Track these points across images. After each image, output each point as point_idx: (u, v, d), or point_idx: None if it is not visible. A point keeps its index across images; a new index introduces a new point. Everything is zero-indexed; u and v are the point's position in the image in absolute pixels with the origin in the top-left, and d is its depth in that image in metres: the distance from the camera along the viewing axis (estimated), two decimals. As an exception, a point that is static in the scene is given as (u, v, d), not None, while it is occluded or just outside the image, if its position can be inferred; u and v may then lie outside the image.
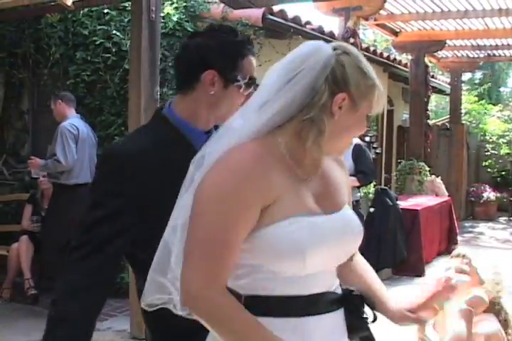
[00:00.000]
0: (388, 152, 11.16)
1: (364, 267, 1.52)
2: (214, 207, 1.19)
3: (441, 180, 9.17)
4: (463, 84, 12.68)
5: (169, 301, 1.29)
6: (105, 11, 5.55)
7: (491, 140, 12.55)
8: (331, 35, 6.93)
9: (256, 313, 1.21)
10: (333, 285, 1.34)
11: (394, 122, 11.40)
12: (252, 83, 1.56)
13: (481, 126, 12.66)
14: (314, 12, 6.77)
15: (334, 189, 1.36)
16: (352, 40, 6.42)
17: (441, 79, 12.66)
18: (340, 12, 6.58)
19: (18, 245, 5.15)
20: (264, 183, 1.21)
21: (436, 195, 8.61)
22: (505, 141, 12.46)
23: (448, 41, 9.56)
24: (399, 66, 9.92)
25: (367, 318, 1.38)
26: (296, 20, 6.19)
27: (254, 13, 5.52)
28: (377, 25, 8.49)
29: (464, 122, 11.71)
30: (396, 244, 6.33)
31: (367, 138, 7.25)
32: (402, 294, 1.42)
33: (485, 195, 11.53)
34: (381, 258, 6.10)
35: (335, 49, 1.28)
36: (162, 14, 4.94)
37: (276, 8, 5.82)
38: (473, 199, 11.61)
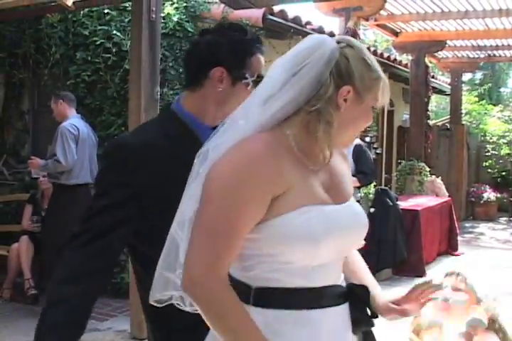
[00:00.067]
0: (388, 152, 11.17)
1: (357, 263, 1.53)
2: (223, 195, 1.19)
3: (442, 180, 9.17)
4: (463, 85, 12.68)
5: (178, 297, 1.30)
6: (105, 11, 5.56)
7: (491, 140, 12.55)
8: (332, 35, 6.88)
9: (266, 305, 1.23)
10: (339, 278, 1.35)
11: (394, 122, 11.40)
12: (259, 81, 1.58)
13: (481, 126, 12.66)
14: (315, 12, 6.77)
15: (341, 181, 1.37)
16: (352, 40, 6.42)
17: (442, 79, 12.66)
18: (340, 12, 6.58)
19: (19, 245, 5.16)
20: (276, 172, 1.21)
21: (437, 196, 8.61)
22: (505, 141, 12.46)
23: (448, 41, 9.57)
24: (399, 66, 9.91)
25: (372, 313, 1.40)
26: (296, 20, 6.19)
27: (255, 14, 5.53)
28: (378, 25, 8.49)
29: (464, 122, 11.71)
30: (396, 244, 6.33)
31: (367, 139, 7.25)
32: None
33: (485, 195, 11.54)
34: (381, 259, 6.10)
35: (339, 42, 1.30)
36: (162, 14, 4.94)
37: (276, 8, 5.82)
38: (473, 199, 11.61)
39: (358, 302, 1.36)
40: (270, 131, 1.26)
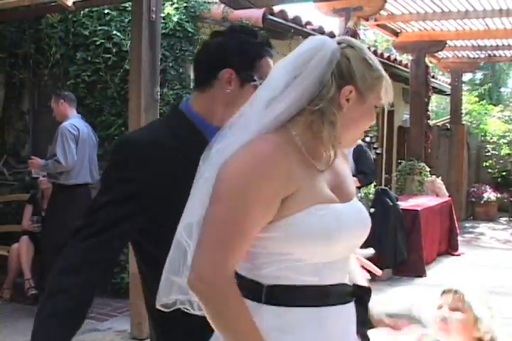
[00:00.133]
0: (388, 152, 11.17)
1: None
2: (232, 196, 1.20)
3: (442, 180, 9.17)
4: (463, 85, 12.67)
5: (185, 301, 1.30)
6: (106, 11, 5.56)
7: (491, 140, 12.55)
8: (332, 35, 6.92)
9: (277, 303, 1.24)
10: (346, 277, 1.37)
11: (394, 122, 11.40)
12: None
13: (481, 126, 12.66)
14: (315, 12, 6.77)
15: (344, 180, 1.39)
16: (352, 40, 6.42)
17: (442, 79, 12.66)
18: (340, 12, 6.58)
19: (19, 245, 5.16)
20: (286, 174, 1.22)
21: (437, 196, 8.61)
22: (505, 141, 12.46)
23: (448, 41, 9.56)
24: (399, 66, 9.91)
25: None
26: (296, 20, 6.19)
27: (255, 14, 5.53)
28: (378, 25, 8.49)
29: (464, 122, 11.70)
30: (396, 244, 6.33)
31: (367, 139, 7.26)
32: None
33: (485, 195, 11.54)
34: (381, 259, 6.10)
35: (339, 43, 1.32)
36: (162, 14, 4.95)
37: (276, 8, 5.82)
38: (473, 199, 11.61)
39: (362, 301, 1.39)
40: (276, 132, 1.27)
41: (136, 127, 4.12)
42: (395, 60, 9.94)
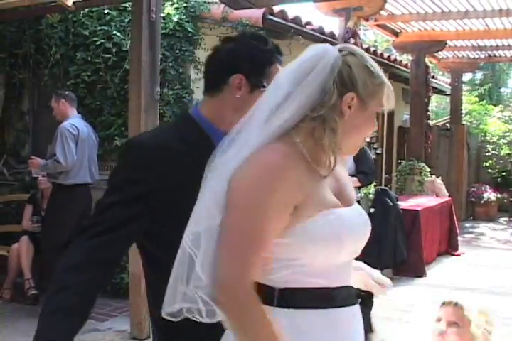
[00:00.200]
0: (388, 152, 11.17)
1: None
2: (246, 208, 1.23)
3: (442, 180, 9.17)
4: (463, 85, 12.67)
5: (194, 309, 1.31)
6: (106, 11, 5.56)
7: (491, 140, 12.55)
8: (332, 35, 6.93)
9: (289, 305, 1.27)
10: (350, 279, 1.40)
11: (394, 123, 11.40)
12: None
13: (481, 126, 12.66)
14: (315, 12, 6.77)
15: (345, 187, 1.41)
16: (352, 40, 6.41)
17: (442, 79, 12.66)
18: (340, 12, 6.57)
19: (19, 245, 5.16)
20: (296, 183, 1.25)
21: (437, 196, 8.61)
22: (505, 141, 12.46)
23: (448, 42, 9.56)
24: (399, 66, 9.91)
25: None
26: (296, 20, 6.18)
27: (255, 14, 5.52)
28: (378, 25, 8.49)
29: (464, 123, 11.70)
30: (396, 244, 6.33)
31: (367, 139, 7.24)
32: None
33: (485, 195, 11.54)
34: (381, 259, 6.09)
35: (341, 50, 1.33)
36: (162, 14, 4.95)
37: (276, 8, 5.82)
38: (473, 199, 11.61)
39: (365, 303, 1.42)
40: (281, 140, 1.28)
41: (136, 127, 4.13)
42: (395, 60, 9.94)
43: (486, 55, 10.84)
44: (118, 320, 4.52)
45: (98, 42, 5.53)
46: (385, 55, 9.65)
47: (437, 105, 18.73)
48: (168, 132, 1.63)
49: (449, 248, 7.82)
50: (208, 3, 5.67)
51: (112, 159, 5.65)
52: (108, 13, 5.55)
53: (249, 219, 1.22)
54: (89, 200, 5.05)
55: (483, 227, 10.55)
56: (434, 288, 5.93)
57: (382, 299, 1.53)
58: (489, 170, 12.57)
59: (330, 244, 1.27)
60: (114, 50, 5.47)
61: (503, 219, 11.61)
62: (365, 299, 1.42)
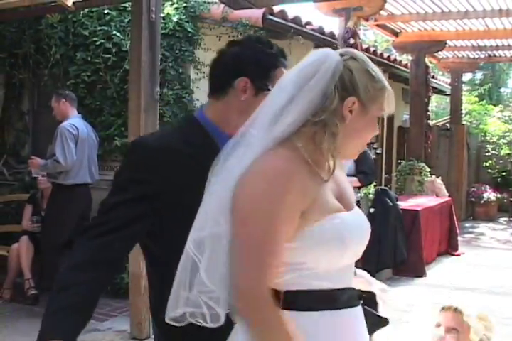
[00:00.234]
0: (388, 152, 11.17)
1: None
2: (259, 215, 1.23)
3: (442, 180, 9.17)
4: (463, 85, 12.67)
5: (197, 314, 1.31)
6: (105, 11, 5.56)
7: (491, 140, 12.55)
8: (332, 35, 6.93)
9: (295, 308, 1.29)
10: (352, 282, 1.41)
11: (394, 123, 11.40)
12: None
13: (481, 126, 12.65)
14: (314, 12, 6.76)
15: (345, 191, 1.42)
16: (352, 40, 6.41)
17: (442, 79, 12.66)
18: (340, 12, 6.57)
19: (19, 245, 5.16)
20: (302, 186, 1.26)
21: (437, 196, 8.61)
22: (505, 141, 12.46)
23: (448, 42, 9.56)
24: (399, 66, 9.91)
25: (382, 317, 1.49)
26: (296, 20, 6.19)
27: (255, 14, 5.53)
28: (378, 25, 8.48)
29: (464, 123, 11.70)
30: (396, 244, 6.33)
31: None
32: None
33: (485, 195, 11.54)
34: (381, 259, 6.10)
35: (342, 55, 1.33)
36: (162, 15, 4.95)
37: (276, 8, 5.82)
38: (473, 199, 11.61)
39: (368, 304, 1.45)
40: (282, 145, 1.29)
41: (135, 127, 4.13)
42: (395, 60, 9.94)
43: (486, 55, 10.83)
44: (118, 320, 4.52)
45: (98, 43, 5.54)
46: (385, 55, 9.65)
47: (437, 105, 18.73)
48: (172, 134, 1.64)
49: (449, 248, 7.82)
50: (208, 3, 5.67)
51: (112, 159, 5.65)
52: (108, 13, 5.55)
53: (262, 227, 1.23)
54: (89, 200, 5.05)
55: (483, 227, 10.55)
56: (434, 288, 5.94)
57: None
58: (489, 170, 12.56)
59: (335, 247, 1.28)
60: (113, 50, 5.47)
61: (503, 219, 11.61)
62: (369, 298, 1.45)
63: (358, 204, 5.49)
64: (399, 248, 6.34)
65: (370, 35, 19.01)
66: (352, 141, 1.35)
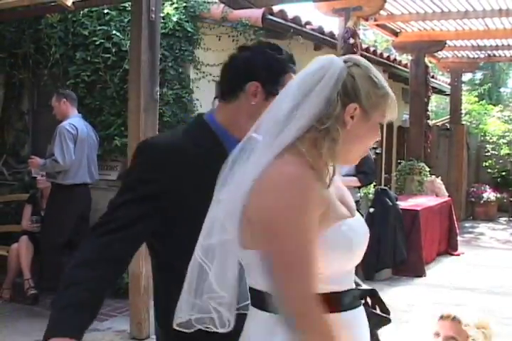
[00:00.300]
0: (388, 152, 11.17)
1: None
2: (291, 227, 1.22)
3: (441, 180, 9.17)
4: (463, 85, 12.67)
5: (207, 319, 1.32)
6: (105, 11, 5.56)
7: (491, 140, 12.55)
8: (331, 35, 6.93)
9: None
10: (353, 282, 1.44)
11: (394, 122, 11.40)
12: None
13: (481, 126, 12.65)
14: (314, 12, 6.76)
15: (343, 194, 1.43)
16: (352, 40, 6.41)
17: (442, 79, 12.66)
18: (340, 12, 6.57)
19: (18, 245, 5.15)
20: (317, 192, 1.27)
21: (437, 196, 8.61)
22: (505, 141, 12.46)
23: (448, 41, 9.56)
24: (399, 66, 9.91)
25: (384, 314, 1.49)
26: (296, 20, 6.19)
27: (254, 14, 5.52)
28: (378, 25, 8.48)
29: (464, 122, 11.70)
30: (396, 244, 6.33)
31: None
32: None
33: (485, 195, 11.53)
34: (381, 259, 6.10)
35: (346, 61, 1.34)
36: (162, 14, 4.95)
37: (276, 8, 5.82)
38: (473, 199, 11.61)
39: (371, 303, 1.46)
40: (288, 151, 1.29)
41: (135, 127, 4.13)
42: (395, 60, 9.94)
43: (486, 54, 10.83)
44: (118, 320, 4.52)
45: (98, 42, 5.53)
46: (385, 54, 9.65)
47: (437, 105, 18.73)
48: (181, 136, 1.66)
49: (449, 248, 7.82)
50: (208, 3, 5.67)
51: (112, 159, 5.65)
52: (107, 13, 5.55)
53: (296, 240, 1.22)
54: (88, 200, 5.05)
55: (482, 227, 10.55)
56: (434, 288, 5.94)
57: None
58: (489, 170, 12.56)
59: (345, 253, 1.31)
60: (113, 50, 5.47)
61: (502, 219, 11.61)
62: (371, 294, 1.46)
63: (358, 204, 5.50)
64: (399, 248, 6.34)
65: (369, 35, 19.01)
66: (353, 146, 1.36)
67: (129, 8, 4.83)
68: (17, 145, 6.43)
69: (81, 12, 5.63)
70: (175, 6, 5.58)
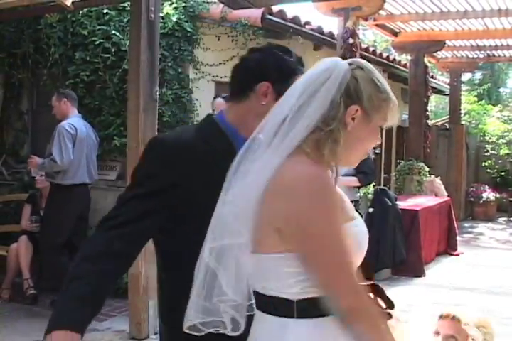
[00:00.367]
0: (387, 152, 11.16)
1: None
2: (330, 223, 1.25)
3: (441, 180, 9.17)
4: (462, 85, 12.67)
5: (217, 323, 1.33)
6: (104, 11, 5.55)
7: (490, 140, 12.55)
8: (331, 35, 6.93)
9: (308, 315, 1.30)
10: None
11: (393, 122, 11.38)
12: None
13: (480, 126, 12.65)
14: (313, 12, 6.77)
15: (343, 196, 1.43)
16: (351, 40, 6.41)
17: (441, 79, 12.66)
18: (339, 12, 6.57)
19: (18, 245, 5.15)
20: (334, 189, 1.30)
21: (436, 196, 8.61)
22: (504, 141, 12.45)
23: (447, 41, 9.56)
24: (398, 66, 9.91)
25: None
26: (295, 20, 6.19)
27: (254, 14, 5.53)
28: (377, 25, 8.48)
29: (463, 122, 11.71)
30: (395, 244, 6.33)
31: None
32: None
33: (484, 195, 11.53)
34: (380, 259, 6.10)
35: (350, 64, 1.35)
36: (161, 14, 4.94)
37: (275, 8, 5.82)
38: (472, 199, 11.61)
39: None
40: (295, 152, 1.29)
41: (134, 127, 4.13)
42: (394, 59, 9.94)
43: (485, 54, 10.84)
44: (117, 320, 4.52)
45: (97, 42, 5.53)
46: (384, 54, 9.65)
47: (436, 105, 18.74)
48: (191, 133, 1.68)
49: (448, 248, 7.82)
50: (207, 2, 5.67)
51: (111, 159, 5.65)
52: (107, 13, 5.55)
53: (335, 236, 1.25)
54: (87, 200, 5.04)
55: (482, 227, 10.55)
56: (433, 287, 5.94)
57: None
58: (488, 170, 12.57)
59: (355, 254, 1.32)
60: (112, 50, 5.47)
61: (502, 219, 11.62)
62: (372, 291, 1.47)
63: (357, 204, 5.50)
64: (398, 248, 6.34)
65: (369, 34, 19.00)
66: (354, 148, 1.37)
67: (129, 8, 4.82)
68: (16, 145, 6.43)
69: (80, 12, 5.63)
70: (174, 5, 5.58)
